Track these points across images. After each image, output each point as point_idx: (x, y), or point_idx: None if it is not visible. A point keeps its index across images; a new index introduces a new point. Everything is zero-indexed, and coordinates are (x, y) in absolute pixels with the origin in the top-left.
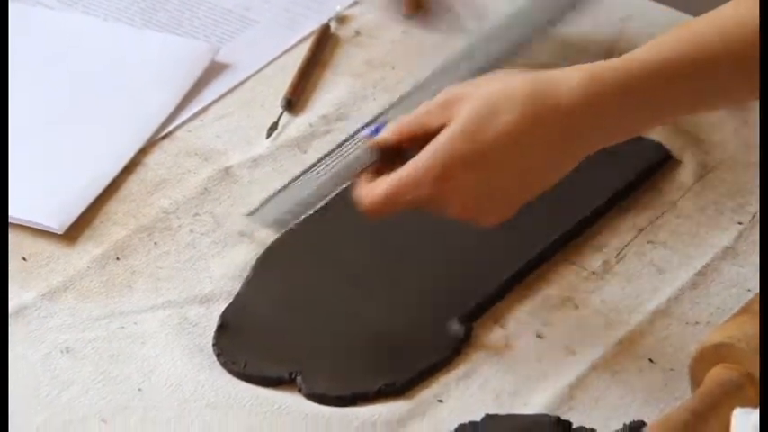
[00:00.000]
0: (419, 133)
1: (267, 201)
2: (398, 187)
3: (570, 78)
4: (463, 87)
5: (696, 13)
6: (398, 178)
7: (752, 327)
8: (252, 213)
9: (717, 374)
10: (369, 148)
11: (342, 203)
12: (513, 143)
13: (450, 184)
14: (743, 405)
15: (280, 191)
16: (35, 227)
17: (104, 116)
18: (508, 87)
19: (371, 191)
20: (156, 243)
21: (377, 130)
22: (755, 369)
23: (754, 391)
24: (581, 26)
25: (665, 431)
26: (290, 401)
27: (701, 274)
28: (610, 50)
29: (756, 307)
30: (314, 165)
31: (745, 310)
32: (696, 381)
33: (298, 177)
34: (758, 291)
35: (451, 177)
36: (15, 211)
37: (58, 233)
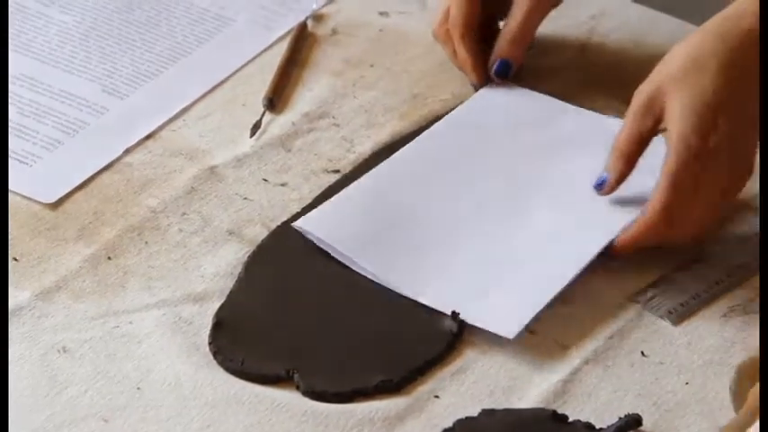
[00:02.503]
0: (640, 142)
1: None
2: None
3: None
4: (654, 80)
5: (666, 8)
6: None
7: None
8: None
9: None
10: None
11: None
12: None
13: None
14: None
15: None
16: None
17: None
18: (698, 57)
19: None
20: (146, 242)
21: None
22: None
23: None
24: (553, 23)
25: None
26: (289, 399)
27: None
28: (582, 48)
29: None
30: None
31: None
32: (739, 398)
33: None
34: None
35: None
36: None
37: None
